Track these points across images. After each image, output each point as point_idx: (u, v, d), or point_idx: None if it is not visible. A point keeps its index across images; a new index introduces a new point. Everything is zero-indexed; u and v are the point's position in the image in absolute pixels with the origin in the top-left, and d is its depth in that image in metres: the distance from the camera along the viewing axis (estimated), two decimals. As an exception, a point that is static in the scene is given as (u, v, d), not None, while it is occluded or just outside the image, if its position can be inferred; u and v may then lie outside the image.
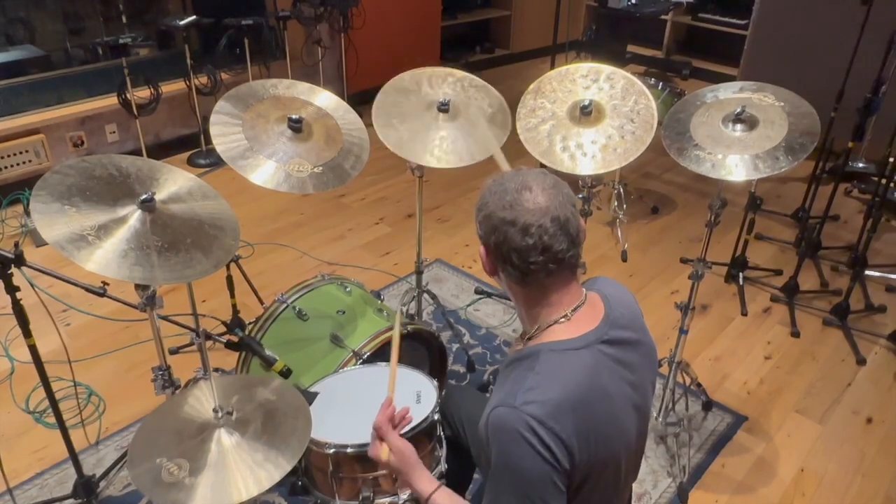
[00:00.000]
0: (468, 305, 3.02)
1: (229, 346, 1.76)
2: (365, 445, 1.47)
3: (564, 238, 1.13)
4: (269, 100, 1.97)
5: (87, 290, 1.59)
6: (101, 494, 2.03)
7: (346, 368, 1.83)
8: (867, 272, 3.23)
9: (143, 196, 1.53)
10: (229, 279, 2.53)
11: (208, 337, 1.77)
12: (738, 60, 4.78)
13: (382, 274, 3.22)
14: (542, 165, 2.12)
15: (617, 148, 1.98)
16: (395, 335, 1.57)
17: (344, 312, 2.05)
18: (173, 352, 2.56)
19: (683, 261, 3.34)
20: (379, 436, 1.33)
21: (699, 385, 2.48)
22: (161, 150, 4.17)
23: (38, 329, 1.70)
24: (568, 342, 1.16)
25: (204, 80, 4.09)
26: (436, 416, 1.56)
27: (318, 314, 2.06)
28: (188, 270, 1.50)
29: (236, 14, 4.03)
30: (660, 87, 3.73)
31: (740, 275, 3.20)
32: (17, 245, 1.55)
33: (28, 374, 2.50)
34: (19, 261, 1.53)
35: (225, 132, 1.84)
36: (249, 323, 2.19)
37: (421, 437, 1.51)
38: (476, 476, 1.83)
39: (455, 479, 1.63)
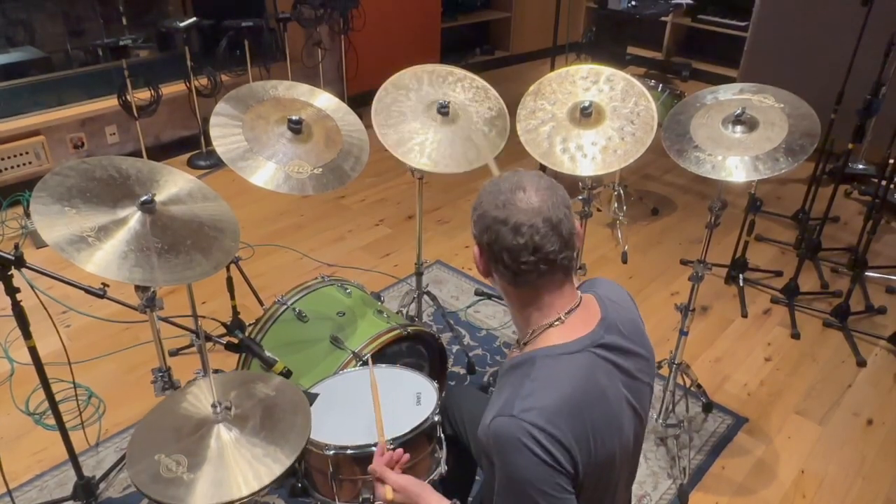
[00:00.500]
0: (468, 307, 3.02)
1: (229, 347, 1.75)
2: (365, 447, 1.47)
3: (556, 239, 1.12)
4: (269, 101, 1.97)
5: (87, 291, 1.59)
6: (101, 496, 2.03)
7: (345, 370, 1.83)
8: (867, 274, 3.23)
9: (143, 198, 1.53)
10: (229, 281, 2.53)
11: (208, 338, 1.76)
12: (738, 62, 4.78)
13: (382, 275, 3.22)
14: (542, 168, 2.12)
15: (617, 149, 1.98)
16: (373, 381, 1.58)
17: (344, 314, 2.05)
18: (173, 353, 2.56)
19: (683, 262, 3.35)
20: (378, 479, 1.35)
21: (699, 387, 2.48)
22: (161, 152, 4.18)
23: (38, 331, 1.70)
24: (563, 346, 1.16)
25: (204, 81, 4.09)
26: (436, 418, 1.55)
27: (318, 316, 2.06)
28: (188, 272, 1.50)
29: (236, 16, 4.04)
30: (660, 89, 3.73)
31: (740, 276, 3.20)
32: (17, 247, 1.55)
33: (28, 376, 2.50)
34: (19, 262, 1.53)
35: (225, 134, 1.84)
36: (249, 324, 2.19)
37: (421, 438, 1.51)
38: (478, 478, 1.83)
39: (456, 480, 1.63)
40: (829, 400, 2.58)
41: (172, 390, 1.78)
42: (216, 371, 2.50)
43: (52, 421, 1.95)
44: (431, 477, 1.54)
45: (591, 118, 2.03)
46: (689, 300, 2.16)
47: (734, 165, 1.86)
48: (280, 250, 3.39)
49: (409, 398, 1.61)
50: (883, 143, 3.70)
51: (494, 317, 2.96)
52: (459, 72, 2.21)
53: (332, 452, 1.47)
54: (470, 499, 1.83)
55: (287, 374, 1.68)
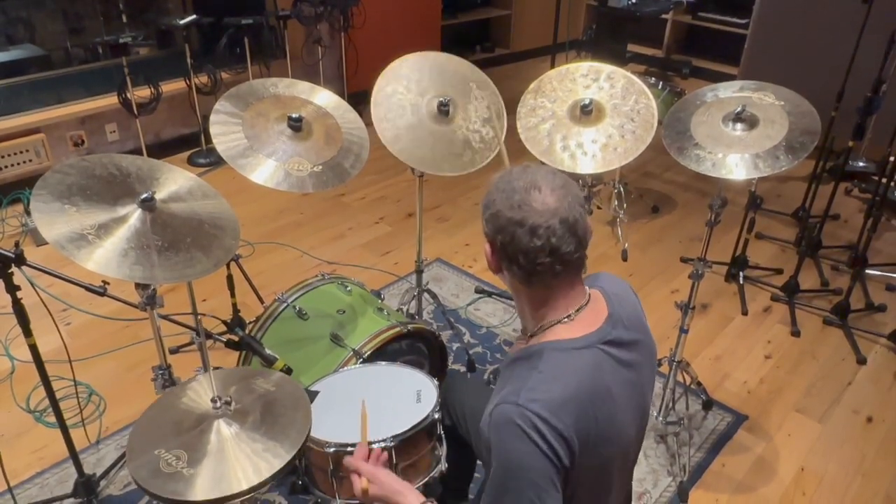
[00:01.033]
0: (468, 305, 3.02)
1: (229, 345, 1.76)
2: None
3: (572, 240, 1.12)
4: (269, 99, 1.97)
5: (88, 289, 1.59)
6: (102, 493, 2.03)
7: (346, 367, 1.83)
8: (867, 271, 3.22)
9: (144, 195, 1.53)
10: (229, 278, 2.53)
11: (208, 336, 1.76)
12: (739, 60, 4.78)
13: (382, 273, 3.22)
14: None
15: (617, 147, 1.98)
16: (364, 413, 1.55)
17: (344, 312, 2.05)
18: (173, 351, 2.57)
19: (684, 260, 3.35)
20: (352, 471, 1.34)
21: (699, 384, 2.48)
22: (161, 150, 4.17)
23: (38, 328, 1.70)
24: (571, 341, 1.16)
25: (204, 79, 4.08)
26: (436, 416, 1.56)
27: (318, 313, 2.06)
28: (188, 270, 1.50)
29: (236, 13, 4.04)
30: (660, 87, 3.73)
31: (740, 274, 3.20)
32: (17, 244, 1.56)
33: (28, 374, 2.50)
34: (20, 260, 1.53)
35: (225, 131, 1.84)
36: (250, 322, 2.20)
37: (421, 435, 1.51)
38: (478, 475, 1.83)
39: (456, 473, 1.63)
40: (829, 398, 2.58)
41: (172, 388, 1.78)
42: (216, 369, 2.51)
43: (52, 418, 1.95)
44: (432, 474, 1.55)
45: (591, 116, 2.02)
46: (689, 298, 2.16)
47: (734, 163, 1.86)
48: (280, 248, 3.39)
49: (409, 396, 1.61)
50: (883, 140, 3.69)
51: (494, 314, 2.97)
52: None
53: (332, 450, 1.47)
54: (471, 496, 1.83)
55: (287, 371, 1.68)
